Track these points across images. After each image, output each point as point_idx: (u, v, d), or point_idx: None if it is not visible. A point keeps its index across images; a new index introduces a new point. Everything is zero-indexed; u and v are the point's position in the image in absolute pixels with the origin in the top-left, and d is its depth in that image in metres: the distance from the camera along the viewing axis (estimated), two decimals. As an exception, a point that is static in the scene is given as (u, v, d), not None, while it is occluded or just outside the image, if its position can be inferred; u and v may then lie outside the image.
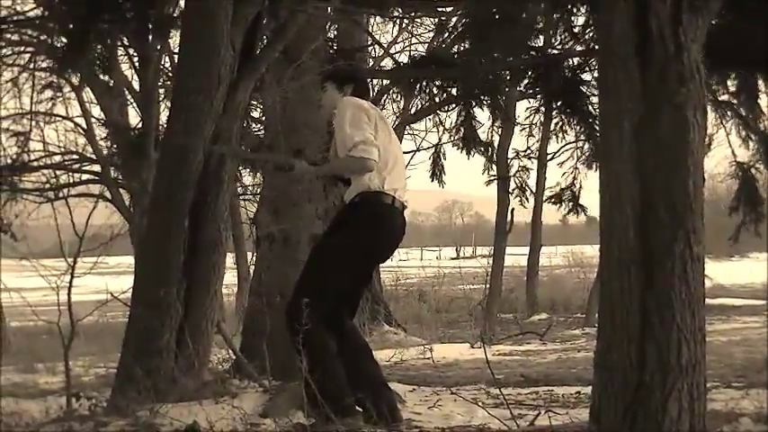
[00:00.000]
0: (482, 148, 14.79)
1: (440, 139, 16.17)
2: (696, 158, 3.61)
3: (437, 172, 16.46)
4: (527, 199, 18.57)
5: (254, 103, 12.31)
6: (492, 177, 17.83)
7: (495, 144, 17.24)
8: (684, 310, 3.56)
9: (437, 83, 11.02)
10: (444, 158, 16.40)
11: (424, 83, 10.94)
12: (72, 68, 11.05)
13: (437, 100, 12.37)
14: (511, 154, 18.01)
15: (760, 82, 8.35)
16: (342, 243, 5.26)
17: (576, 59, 9.96)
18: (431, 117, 15.89)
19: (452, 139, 14.71)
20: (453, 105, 12.90)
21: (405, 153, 17.65)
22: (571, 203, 16.48)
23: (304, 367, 4.85)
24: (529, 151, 18.19)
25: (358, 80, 5.74)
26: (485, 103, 11.37)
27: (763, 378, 6.91)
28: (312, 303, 4.99)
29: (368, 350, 5.50)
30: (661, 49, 3.60)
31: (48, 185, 14.76)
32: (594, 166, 14.26)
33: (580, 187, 16.26)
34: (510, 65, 9.84)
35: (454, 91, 11.49)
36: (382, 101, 14.16)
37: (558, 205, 16.65)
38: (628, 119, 3.63)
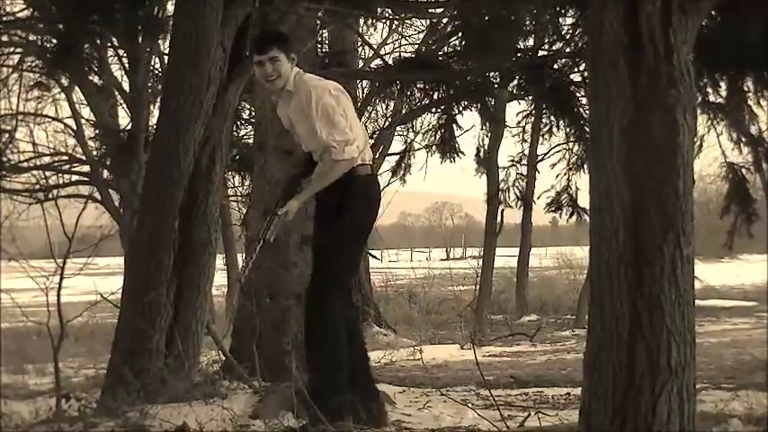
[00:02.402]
0: (458, 154, 14.53)
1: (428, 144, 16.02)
2: (686, 160, 3.61)
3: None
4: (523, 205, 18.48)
5: (244, 104, 12.32)
6: (485, 197, 17.72)
7: (482, 146, 17.08)
8: (674, 312, 3.56)
9: (419, 85, 10.98)
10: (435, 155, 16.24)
11: (408, 85, 10.92)
12: (62, 69, 11.03)
13: (423, 102, 12.31)
14: (504, 160, 17.90)
15: (750, 84, 8.34)
16: (347, 225, 5.27)
17: (565, 61, 9.96)
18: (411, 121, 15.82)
19: (429, 144, 14.60)
20: (434, 110, 12.82)
21: (393, 155, 17.80)
22: (570, 208, 16.12)
23: (294, 367, 4.86)
24: (522, 155, 18.07)
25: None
26: (473, 106, 11.35)
27: (752, 379, 6.92)
28: (338, 289, 5.07)
29: (365, 350, 5.52)
30: (651, 51, 3.60)
31: (37, 186, 14.72)
32: (583, 170, 14.14)
33: (577, 189, 16.00)
34: (499, 67, 9.84)
35: (437, 95, 11.43)
36: (373, 101, 14.10)
37: (559, 213, 16.36)
38: (617, 120, 3.63)
